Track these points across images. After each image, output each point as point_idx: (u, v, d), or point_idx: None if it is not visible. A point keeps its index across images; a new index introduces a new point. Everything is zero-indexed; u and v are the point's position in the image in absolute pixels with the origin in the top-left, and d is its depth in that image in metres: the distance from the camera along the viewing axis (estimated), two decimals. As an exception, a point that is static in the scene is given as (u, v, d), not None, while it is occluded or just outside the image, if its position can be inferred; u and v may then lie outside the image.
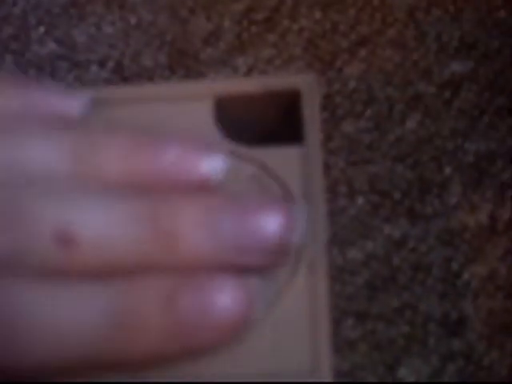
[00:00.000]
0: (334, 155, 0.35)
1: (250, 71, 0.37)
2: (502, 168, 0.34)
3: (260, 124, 0.25)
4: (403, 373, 0.31)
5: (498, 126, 0.35)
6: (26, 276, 0.19)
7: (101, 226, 0.20)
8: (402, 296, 0.32)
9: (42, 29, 0.39)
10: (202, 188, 0.21)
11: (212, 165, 0.21)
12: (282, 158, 0.23)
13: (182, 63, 0.37)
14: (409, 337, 0.31)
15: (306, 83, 0.25)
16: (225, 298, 0.20)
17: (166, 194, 0.21)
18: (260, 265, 0.21)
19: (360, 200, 0.34)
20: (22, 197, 0.20)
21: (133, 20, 0.38)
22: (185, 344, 0.20)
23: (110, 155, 0.21)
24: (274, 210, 0.20)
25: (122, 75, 0.37)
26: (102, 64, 0.38)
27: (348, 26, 0.38)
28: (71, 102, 0.23)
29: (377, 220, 0.33)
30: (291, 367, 0.21)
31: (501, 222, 0.33)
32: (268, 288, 0.21)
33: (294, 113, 0.24)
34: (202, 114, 0.24)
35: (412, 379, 0.31)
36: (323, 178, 0.23)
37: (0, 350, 0.19)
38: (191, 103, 0.25)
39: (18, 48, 0.38)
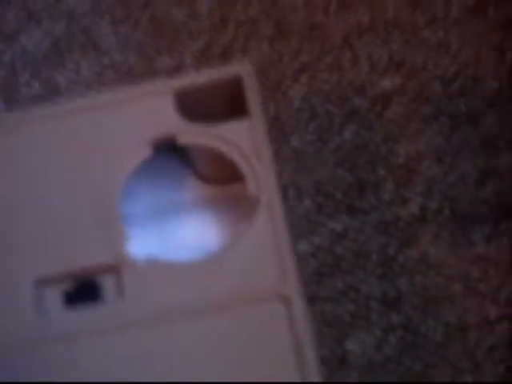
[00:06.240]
0: (284, 165, 0.39)
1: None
2: (429, 166, 0.39)
3: (215, 106, 0.30)
4: (350, 345, 0.35)
5: (424, 130, 0.40)
6: None
7: None
8: (345, 280, 0.36)
9: (27, 74, 0.44)
10: None
11: None
12: (236, 130, 0.28)
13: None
14: (353, 314, 0.36)
15: (244, 69, 0.29)
16: None
17: None
18: None
19: (307, 201, 0.38)
20: None
21: (106, 61, 0.44)
22: None
23: None
24: None
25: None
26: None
27: (291, 56, 0.43)
28: None
29: (322, 217, 0.38)
30: (262, 284, 0.25)
31: (429, 211, 0.38)
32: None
33: (240, 94, 0.29)
34: (164, 107, 0.29)
35: (358, 350, 0.35)
36: (267, 139, 0.28)
37: None
38: (154, 99, 0.29)
39: (8, 90, 0.43)
